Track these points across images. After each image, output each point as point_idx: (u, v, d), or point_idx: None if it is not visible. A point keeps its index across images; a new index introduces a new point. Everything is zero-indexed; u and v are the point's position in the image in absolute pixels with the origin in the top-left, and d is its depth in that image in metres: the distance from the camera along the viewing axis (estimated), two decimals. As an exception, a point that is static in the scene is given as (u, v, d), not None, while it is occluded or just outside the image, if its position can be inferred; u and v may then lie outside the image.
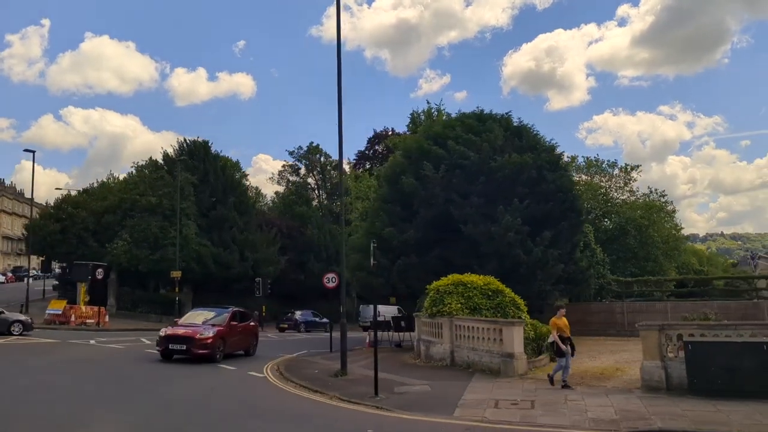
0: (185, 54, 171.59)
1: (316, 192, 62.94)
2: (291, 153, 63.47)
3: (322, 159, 63.19)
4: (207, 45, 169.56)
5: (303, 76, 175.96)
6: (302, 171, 63.37)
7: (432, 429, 10.54)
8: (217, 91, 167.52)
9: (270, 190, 64.29)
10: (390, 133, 76.84)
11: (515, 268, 22.90)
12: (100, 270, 34.19)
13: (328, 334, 27.71)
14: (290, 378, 16.47)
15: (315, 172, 63.11)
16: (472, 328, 16.99)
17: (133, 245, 41.23)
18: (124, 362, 19.69)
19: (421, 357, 19.89)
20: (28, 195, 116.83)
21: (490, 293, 18.15)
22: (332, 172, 62.48)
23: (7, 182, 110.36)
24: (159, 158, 47.86)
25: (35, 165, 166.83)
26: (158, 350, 19.22)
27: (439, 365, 18.44)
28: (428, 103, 57.42)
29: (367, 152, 76.33)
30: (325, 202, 59.95)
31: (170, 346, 18.85)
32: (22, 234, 64.17)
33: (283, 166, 65.50)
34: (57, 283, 65.00)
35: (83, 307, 34.25)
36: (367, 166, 71.19)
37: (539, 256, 22.89)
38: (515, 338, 15.44)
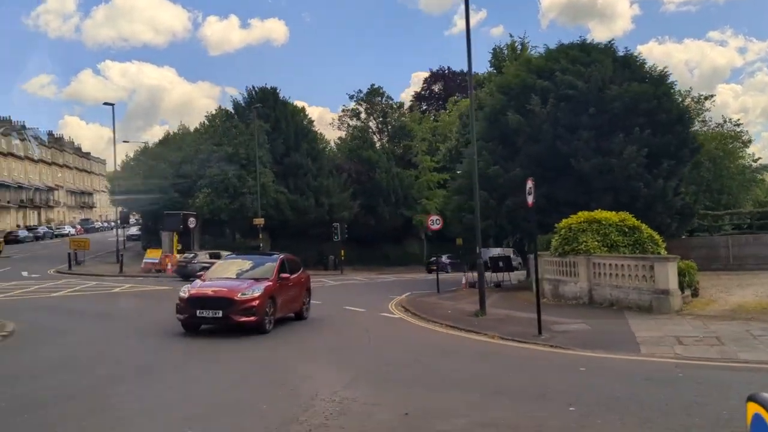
0: (216, 1, 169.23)
1: (378, 136, 62.31)
2: (351, 97, 62.74)
3: (383, 101, 62.24)
4: None
5: (335, 19, 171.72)
6: (362, 115, 62.61)
7: (639, 367, 10.32)
8: (249, 39, 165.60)
9: (330, 135, 63.81)
10: (446, 71, 75.19)
11: (632, 202, 22.19)
12: (191, 219, 34.87)
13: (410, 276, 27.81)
14: (431, 318, 16.48)
15: (375, 115, 62.29)
16: (616, 265, 16.61)
17: (213, 195, 41.81)
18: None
19: (546, 296, 19.67)
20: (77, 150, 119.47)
21: (626, 230, 17.65)
22: (394, 114, 61.59)
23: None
24: (229, 107, 47.90)
25: (79, 120, 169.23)
26: (179, 319, 13.20)
27: (572, 303, 18.22)
28: (511, 36, 55.13)
29: (423, 93, 75.03)
30: (387, 145, 59.31)
31: (198, 313, 12.87)
32: (105, 187, 65.82)
33: (343, 110, 64.93)
34: (134, 233, 67.10)
35: (177, 256, 35.12)
36: (424, 107, 70.14)
37: (660, 188, 22.15)
38: (670, 275, 15.02)
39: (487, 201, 24.43)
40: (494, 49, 36.42)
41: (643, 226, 17.74)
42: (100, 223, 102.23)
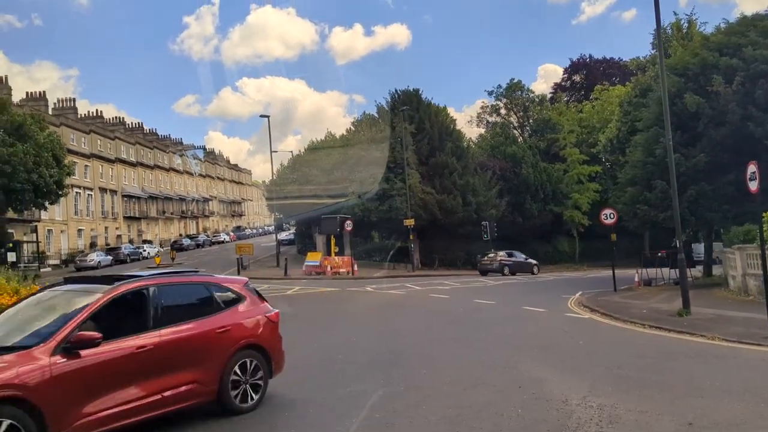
0: (341, 12, 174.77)
1: (519, 131, 60.79)
2: (490, 93, 61.80)
3: (522, 95, 60.66)
4: (360, 0, 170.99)
5: (456, 18, 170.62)
6: (502, 110, 61.40)
7: None
8: (374, 45, 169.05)
9: (467, 133, 63.14)
10: (587, 60, 71.70)
11: None
12: (348, 222, 35.89)
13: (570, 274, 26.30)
14: (628, 319, 15.41)
15: (516, 110, 60.82)
16: None
17: (362, 198, 42.90)
18: (440, 306, 20.17)
19: (752, 293, 17.78)
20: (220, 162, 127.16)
21: None
22: (536, 107, 59.74)
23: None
24: (373, 112, 48.91)
25: (221, 134, 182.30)
26: None
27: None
28: (675, 15, 51.49)
29: (564, 83, 72.10)
30: (529, 139, 57.60)
31: None
32: (263, 194, 69.93)
33: (482, 107, 64.06)
34: (284, 238, 70.71)
35: (336, 258, 36.32)
36: (565, 99, 67.29)
37: None
38: None
39: (665, 191, 22.65)
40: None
41: None
42: (249, 230, 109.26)
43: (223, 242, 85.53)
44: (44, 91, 61.66)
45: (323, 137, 52.55)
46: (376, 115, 48.69)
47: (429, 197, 43.10)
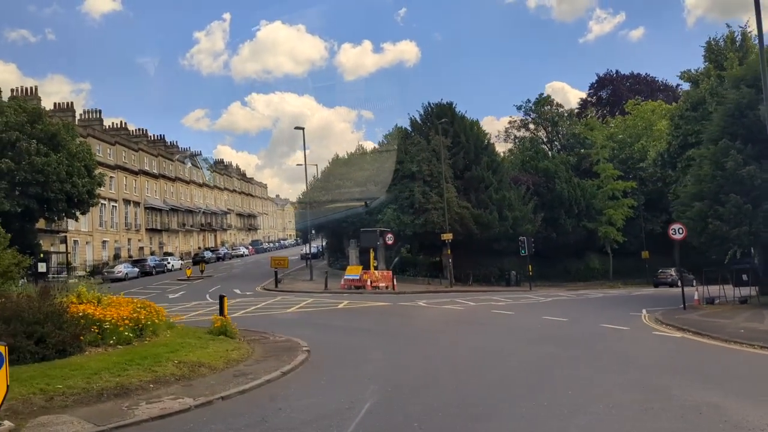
0: (350, 29, 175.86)
1: (548, 145, 60.18)
2: (518, 107, 61.32)
3: (551, 110, 60.10)
4: (370, 17, 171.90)
5: (465, 36, 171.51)
6: (530, 125, 60.85)
7: None
8: (382, 62, 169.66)
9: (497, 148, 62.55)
10: (613, 75, 71.25)
11: None
12: (389, 235, 35.22)
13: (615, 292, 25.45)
14: (730, 338, 14.59)
15: (545, 125, 60.26)
16: None
17: (399, 211, 42.23)
18: (514, 323, 19.45)
19: None
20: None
21: None
22: (565, 122, 59.16)
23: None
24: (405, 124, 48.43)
25: (230, 148, 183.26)
26: None
27: None
28: (728, 27, 50.79)
29: (590, 99, 71.60)
30: (558, 154, 56.91)
31: None
32: (295, 206, 69.47)
33: (510, 122, 63.50)
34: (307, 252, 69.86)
35: (375, 272, 35.58)
36: (591, 114, 66.65)
37: None
38: None
39: (739, 206, 21.90)
40: (708, 43, 33.22)
41: None
42: (266, 244, 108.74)
43: (242, 255, 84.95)
44: (71, 102, 61.66)
45: (353, 150, 52.13)
46: (409, 128, 48.08)
47: (465, 211, 42.36)
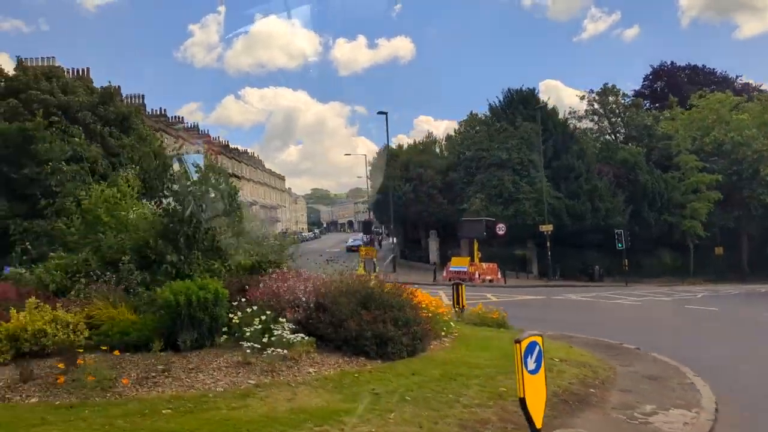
0: (345, 25, 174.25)
1: (612, 136, 58.14)
2: (581, 97, 59.02)
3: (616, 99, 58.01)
4: (365, 13, 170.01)
5: (460, 33, 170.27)
6: (594, 116, 58.67)
7: None
8: (377, 58, 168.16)
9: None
10: (669, 67, 69.30)
11: None
12: (500, 225, 33.10)
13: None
14: None
15: (611, 115, 58.18)
16: None
17: (487, 201, 40.12)
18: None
19: None
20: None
21: None
22: (629, 113, 57.13)
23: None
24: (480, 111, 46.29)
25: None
26: None
27: None
28: None
29: (644, 91, 69.58)
30: (628, 145, 54.82)
31: None
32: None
33: (569, 112, 61.32)
34: (355, 243, 67.57)
35: (482, 265, 33.51)
36: (647, 106, 64.69)
37: None
38: None
39: None
40: None
41: None
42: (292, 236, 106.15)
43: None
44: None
45: (422, 139, 49.90)
46: (488, 113, 45.88)
47: (558, 202, 40.33)
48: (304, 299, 9.19)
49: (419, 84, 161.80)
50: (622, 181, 47.83)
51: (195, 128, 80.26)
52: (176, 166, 45.89)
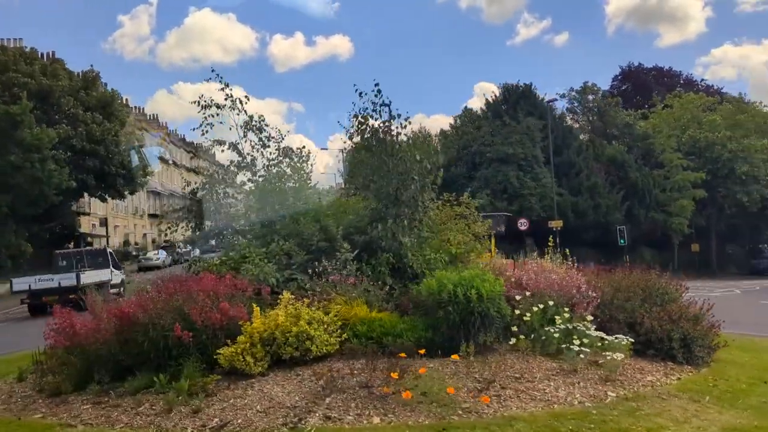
0: (282, 21, 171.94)
1: (590, 135, 58.74)
2: (561, 96, 59.31)
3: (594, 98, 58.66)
4: (303, 10, 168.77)
5: (398, 33, 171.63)
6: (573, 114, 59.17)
7: None
8: (314, 55, 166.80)
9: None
10: (636, 67, 70.80)
11: None
12: (522, 221, 32.29)
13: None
14: None
15: (590, 114, 58.78)
16: None
17: (491, 197, 39.35)
18: None
19: None
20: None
21: None
22: (610, 111, 57.83)
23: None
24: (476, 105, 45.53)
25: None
26: None
27: None
28: None
29: (613, 92, 70.86)
30: (611, 144, 55.52)
31: None
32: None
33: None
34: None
35: (504, 261, 32.57)
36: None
37: None
38: None
39: None
40: None
41: None
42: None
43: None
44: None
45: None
46: (484, 108, 45.17)
47: (561, 198, 40.05)
48: (592, 294, 7.82)
49: (359, 83, 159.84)
50: (614, 178, 48.28)
51: (155, 119, 76.16)
52: (135, 158, 42.87)
